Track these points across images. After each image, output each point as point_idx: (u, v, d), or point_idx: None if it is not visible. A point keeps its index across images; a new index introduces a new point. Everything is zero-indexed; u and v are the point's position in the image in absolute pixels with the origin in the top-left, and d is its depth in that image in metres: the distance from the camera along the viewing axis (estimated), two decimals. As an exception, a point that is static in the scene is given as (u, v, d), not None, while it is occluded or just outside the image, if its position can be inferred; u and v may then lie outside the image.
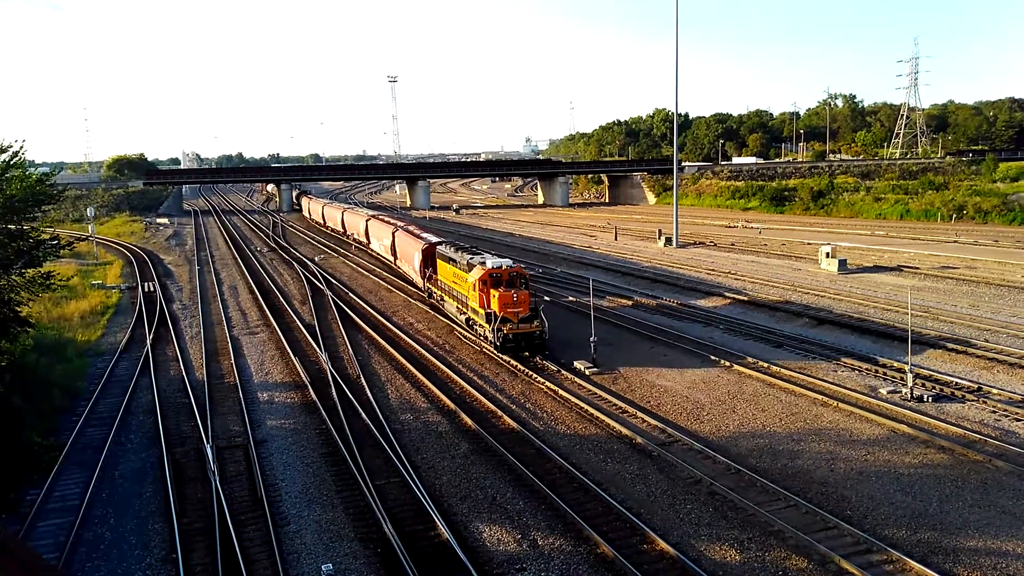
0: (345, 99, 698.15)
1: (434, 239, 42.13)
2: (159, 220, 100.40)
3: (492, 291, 29.99)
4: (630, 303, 39.69)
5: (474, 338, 32.66)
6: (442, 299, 37.77)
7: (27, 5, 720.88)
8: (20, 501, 18.58)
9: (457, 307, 34.91)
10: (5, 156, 27.33)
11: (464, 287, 32.93)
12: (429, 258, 40.14)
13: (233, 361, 30.84)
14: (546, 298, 39.80)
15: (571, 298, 40.78)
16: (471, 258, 32.82)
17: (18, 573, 5.10)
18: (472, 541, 16.34)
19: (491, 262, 30.98)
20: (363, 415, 23.62)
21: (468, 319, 33.47)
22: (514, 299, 29.61)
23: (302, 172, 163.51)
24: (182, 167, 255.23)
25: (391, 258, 52.39)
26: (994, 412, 22.54)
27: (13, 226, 27.46)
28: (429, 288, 40.33)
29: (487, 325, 30.52)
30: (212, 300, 44.80)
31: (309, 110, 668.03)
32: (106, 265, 60.88)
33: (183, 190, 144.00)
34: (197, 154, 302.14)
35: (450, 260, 35.64)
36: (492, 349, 30.59)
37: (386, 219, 60.68)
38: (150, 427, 23.79)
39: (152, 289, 48.07)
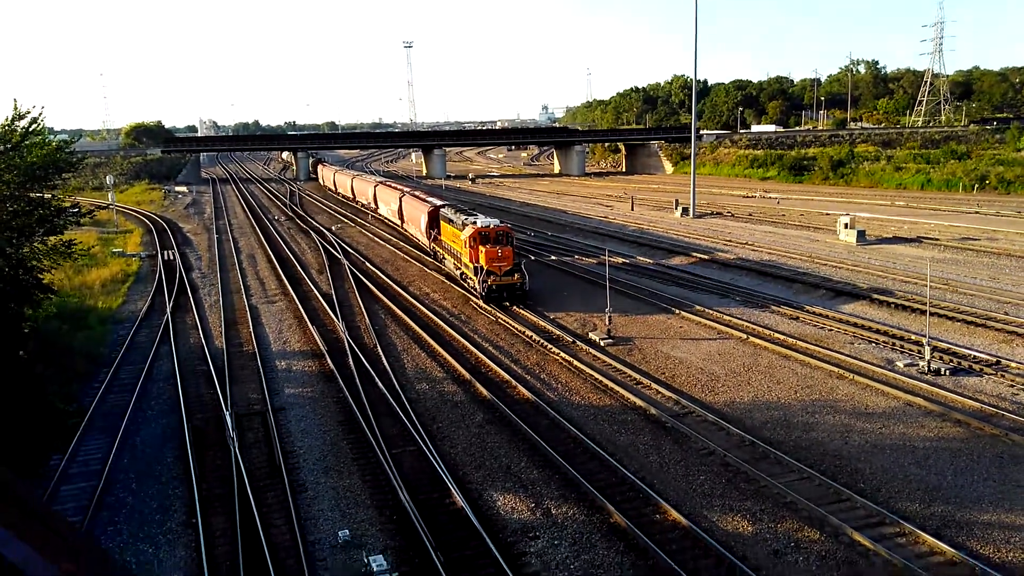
0: (361, 66, 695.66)
1: (438, 203, 44.81)
2: (178, 188, 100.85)
3: (480, 247, 33.43)
4: (645, 274, 39.58)
5: (483, 306, 32.85)
6: (443, 258, 41.03)
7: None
8: (44, 465, 18.99)
9: (454, 263, 38.34)
10: (24, 123, 27.48)
11: (458, 244, 36.43)
12: (434, 220, 42.90)
13: (252, 329, 31.15)
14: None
15: (587, 259, 40.74)
16: (465, 218, 36.45)
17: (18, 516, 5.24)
18: (487, 509, 16.56)
19: (481, 221, 34.61)
20: (379, 384, 23.85)
21: (462, 273, 36.78)
22: (499, 254, 33.15)
23: (318, 140, 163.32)
24: (199, 135, 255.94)
25: (398, 222, 55.29)
26: (1012, 386, 22.39)
27: (34, 194, 27.72)
28: (434, 248, 43.17)
29: (475, 277, 34.10)
30: (231, 268, 45.12)
31: (325, 77, 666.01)
32: (126, 233, 61.38)
33: (201, 158, 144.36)
34: (214, 122, 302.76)
35: (450, 221, 38.98)
36: (480, 301, 33.83)
37: (393, 185, 64.12)
38: (170, 394, 24.17)
39: (172, 257, 48.46)
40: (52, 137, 31.61)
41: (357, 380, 24.10)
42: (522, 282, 33.46)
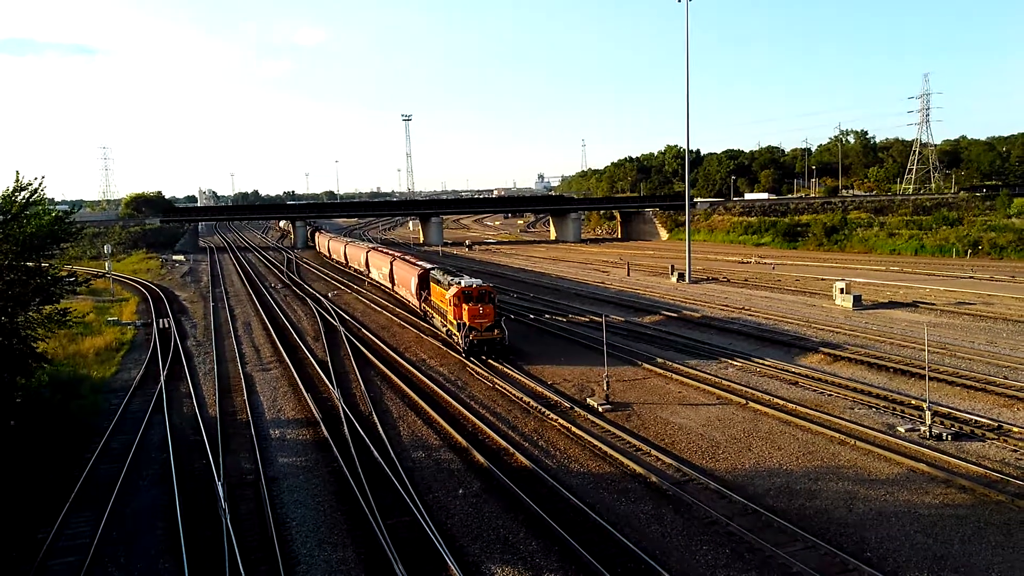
0: (360, 137, 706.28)
1: (428, 266, 48.13)
2: (175, 257, 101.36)
3: (464, 305, 35.98)
4: (643, 339, 39.48)
5: (480, 372, 32.63)
6: (432, 316, 43.43)
7: (59, 56, 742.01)
8: (32, 539, 18.50)
9: (441, 321, 40.58)
10: (25, 194, 27.72)
11: (444, 303, 38.86)
12: (424, 282, 45.87)
13: (246, 398, 30.83)
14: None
15: (584, 324, 40.64)
16: (451, 279, 39.24)
17: None
18: (484, 582, 16.08)
19: (464, 282, 37.36)
20: (375, 452, 23.48)
21: (448, 331, 38.88)
22: (480, 311, 35.70)
23: (317, 209, 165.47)
24: (198, 205, 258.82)
25: (389, 285, 58.08)
26: (1015, 451, 22.13)
27: (31, 263, 27.76)
28: (424, 308, 45.75)
29: (458, 333, 36.30)
30: (226, 336, 44.95)
31: (324, 148, 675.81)
32: (122, 302, 61.31)
33: (199, 227, 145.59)
34: (213, 192, 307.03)
35: (438, 282, 41.72)
36: (466, 360, 35.49)
37: (384, 251, 67.40)
38: (162, 464, 23.72)
39: (167, 326, 48.32)
40: (52, 208, 31.84)
41: (352, 448, 23.74)
42: (502, 337, 35.87)
